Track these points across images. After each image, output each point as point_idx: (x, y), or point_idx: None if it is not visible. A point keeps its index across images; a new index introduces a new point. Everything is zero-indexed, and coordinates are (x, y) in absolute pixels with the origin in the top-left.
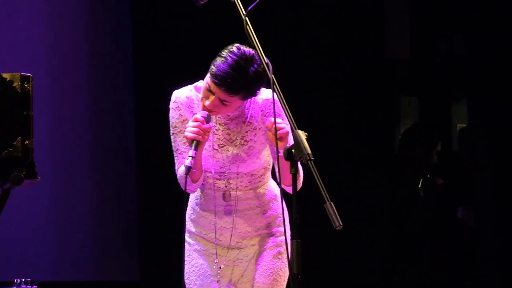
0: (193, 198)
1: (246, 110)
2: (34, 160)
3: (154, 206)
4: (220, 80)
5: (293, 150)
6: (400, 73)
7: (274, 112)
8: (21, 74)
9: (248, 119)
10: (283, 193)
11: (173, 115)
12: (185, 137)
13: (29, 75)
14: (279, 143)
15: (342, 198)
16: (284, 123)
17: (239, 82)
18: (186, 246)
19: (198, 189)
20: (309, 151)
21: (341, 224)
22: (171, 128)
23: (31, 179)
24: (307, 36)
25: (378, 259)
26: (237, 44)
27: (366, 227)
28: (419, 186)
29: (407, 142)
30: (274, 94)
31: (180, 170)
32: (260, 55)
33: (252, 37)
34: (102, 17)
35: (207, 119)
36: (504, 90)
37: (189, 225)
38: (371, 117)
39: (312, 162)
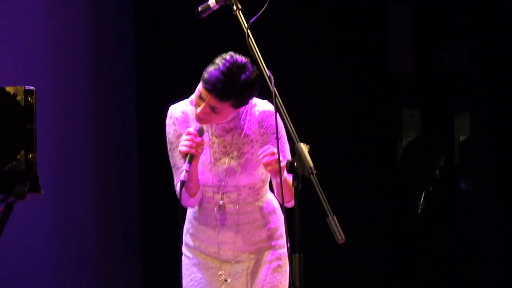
0: (190, 212)
1: (242, 122)
2: (37, 174)
3: (157, 215)
4: (211, 85)
5: (295, 164)
6: (402, 86)
7: (277, 127)
8: (24, 88)
9: (244, 131)
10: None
11: (169, 130)
12: (179, 151)
13: (33, 89)
14: (273, 171)
15: (344, 211)
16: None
17: (229, 88)
18: (185, 259)
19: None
20: (311, 165)
21: (344, 238)
22: (168, 144)
23: (35, 193)
24: (309, 49)
25: (380, 273)
26: (230, 52)
27: (368, 241)
28: (422, 199)
29: (409, 155)
30: (276, 107)
31: (179, 186)
32: (262, 68)
33: (254, 50)
34: (104, 23)
35: (200, 133)
36: (506, 101)
37: (187, 239)
38: (373, 130)
39: (314, 175)
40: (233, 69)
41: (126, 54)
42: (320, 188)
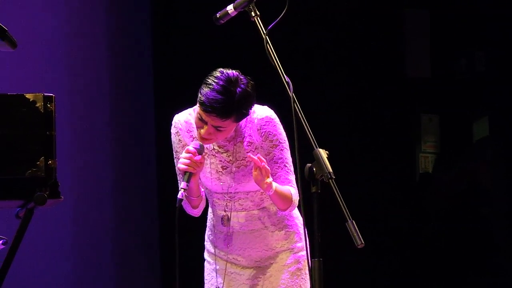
0: (210, 219)
1: (242, 130)
2: (57, 180)
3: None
4: (209, 107)
5: (314, 169)
6: (420, 91)
7: (296, 136)
8: (44, 94)
9: (247, 139)
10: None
11: (174, 140)
12: (178, 168)
13: (52, 96)
14: (263, 187)
15: (363, 217)
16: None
17: (229, 105)
18: (206, 265)
19: (211, 211)
20: (330, 170)
21: (363, 242)
22: (173, 153)
23: (55, 199)
24: (328, 55)
25: (399, 278)
26: (220, 69)
27: (387, 246)
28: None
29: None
30: (295, 112)
31: (177, 202)
32: (281, 74)
33: (273, 56)
34: (122, 29)
35: (200, 151)
36: None
37: (208, 245)
38: (392, 135)
39: (333, 180)
40: (227, 85)
41: (144, 60)
42: (339, 193)
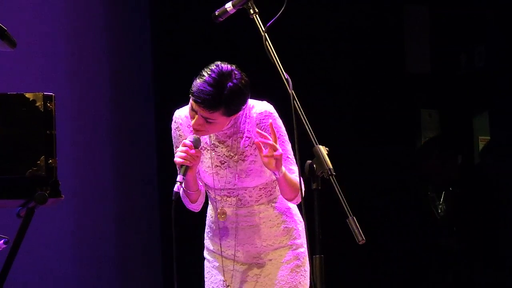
0: (209, 216)
1: (242, 126)
2: (58, 179)
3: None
4: (198, 97)
5: (314, 165)
6: (420, 87)
7: (296, 133)
8: (43, 94)
9: (245, 135)
10: (300, 206)
11: (174, 135)
12: (174, 161)
13: (52, 95)
14: (273, 167)
15: (364, 212)
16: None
17: (217, 98)
18: (206, 263)
19: (210, 208)
20: (331, 166)
21: (364, 238)
22: (174, 148)
23: (55, 198)
24: (328, 52)
25: (400, 274)
26: (217, 62)
27: (387, 243)
28: (441, 200)
29: (425, 152)
30: (294, 109)
31: (173, 195)
32: (280, 71)
33: (272, 53)
34: (123, 28)
35: (196, 144)
36: None
37: (207, 243)
38: (391, 130)
39: (333, 177)
40: (218, 78)
41: (144, 59)
42: (340, 190)
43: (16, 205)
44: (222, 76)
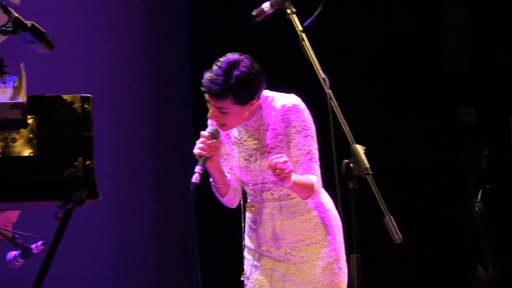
0: (247, 213)
1: (267, 118)
2: (95, 180)
3: (214, 217)
4: (205, 87)
5: (351, 165)
6: (458, 84)
7: (333, 133)
8: (81, 95)
9: (271, 127)
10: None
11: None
12: (193, 152)
13: (89, 96)
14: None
15: (401, 211)
16: (286, 160)
17: (222, 85)
18: (245, 261)
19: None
20: (367, 165)
21: (401, 237)
22: None
23: (93, 199)
24: (366, 50)
25: (437, 273)
26: (228, 53)
27: (425, 241)
28: (479, 197)
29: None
30: (331, 108)
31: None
32: (317, 70)
33: (309, 52)
34: (160, 28)
35: (214, 135)
36: None
37: (246, 241)
38: (429, 128)
39: (370, 176)
40: (225, 67)
41: (181, 60)
42: (377, 189)
43: (53, 206)
44: (229, 65)
